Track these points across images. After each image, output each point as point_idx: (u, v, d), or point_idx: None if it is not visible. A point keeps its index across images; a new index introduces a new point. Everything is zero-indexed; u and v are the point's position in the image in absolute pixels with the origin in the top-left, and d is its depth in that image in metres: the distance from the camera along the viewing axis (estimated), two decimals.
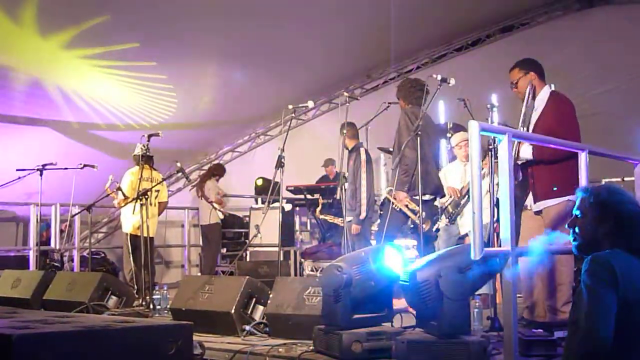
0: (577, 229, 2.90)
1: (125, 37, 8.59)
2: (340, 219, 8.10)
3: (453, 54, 12.18)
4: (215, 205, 10.48)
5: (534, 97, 5.12)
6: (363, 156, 7.43)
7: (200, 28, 8.87)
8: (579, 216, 2.90)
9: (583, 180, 4.11)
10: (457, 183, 6.93)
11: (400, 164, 6.24)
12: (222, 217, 10.75)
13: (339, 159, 7.12)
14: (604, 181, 7.94)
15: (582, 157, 4.15)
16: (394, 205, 6.32)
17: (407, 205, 6.26)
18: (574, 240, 2.92)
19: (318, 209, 9.25)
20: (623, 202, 2.83)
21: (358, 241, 7.11)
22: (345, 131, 7.34)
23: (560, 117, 4.99)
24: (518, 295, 3.98)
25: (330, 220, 8.73)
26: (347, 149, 7.61)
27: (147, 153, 7.69)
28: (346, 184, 7.26)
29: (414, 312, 4.19)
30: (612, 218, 2.78)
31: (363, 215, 7.30)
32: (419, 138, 5.67)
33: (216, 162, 12.41)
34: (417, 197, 5.97)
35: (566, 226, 2.95)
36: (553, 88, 5.27)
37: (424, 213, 5.90)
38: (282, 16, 9.23)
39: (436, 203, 6.75)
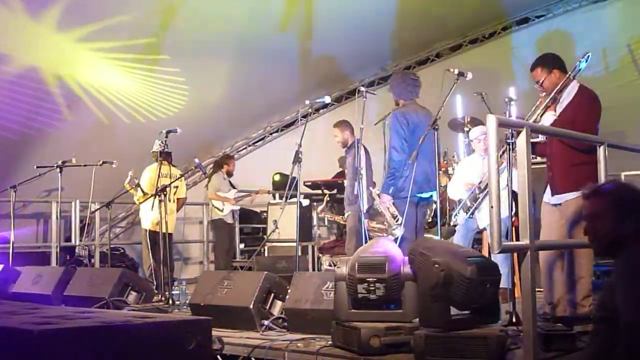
0: (595, 232, 2.82)
1: (141, 33, 8.67)
2: (340, 216, 8.15)
3: (468, 46, 12.13)
4: (215, 202, 9.93)
5: (559, 91, 5.02)
6: (362, 151, 7.45)
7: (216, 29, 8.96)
8: (595, 218, 2.81)
9: (602, 174, 4.09)
10: (475, 177, 6.88)
11: (388, 167, 6.27)
12: (222, 213, 9.95)
13: (355, 154, 7.16)
14: (622, 174, 7.89)
15: (601, 151, 4.12)
16: (376, 207, 6.45)
17: (388, 209, 6.28)
18: (592, 242, 2.84)
19: (320, 207, 9.21)
20: None
21: (353, 236, 7.17)
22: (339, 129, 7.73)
23: (583, 113, 4.90)
24: (537, 289, 3.96)
25: (330, 218, 8.72)
26: (343, 146, 7.85)
27: (166, 149, 7.69)
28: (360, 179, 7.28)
29: None
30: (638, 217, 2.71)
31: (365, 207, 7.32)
32: (435, 132, 5.66)
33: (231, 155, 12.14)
34: (404, 198, 6.00)
35: (585, 230, 2.87)
36: None
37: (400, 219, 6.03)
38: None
39: (458, 198, 6.77)
